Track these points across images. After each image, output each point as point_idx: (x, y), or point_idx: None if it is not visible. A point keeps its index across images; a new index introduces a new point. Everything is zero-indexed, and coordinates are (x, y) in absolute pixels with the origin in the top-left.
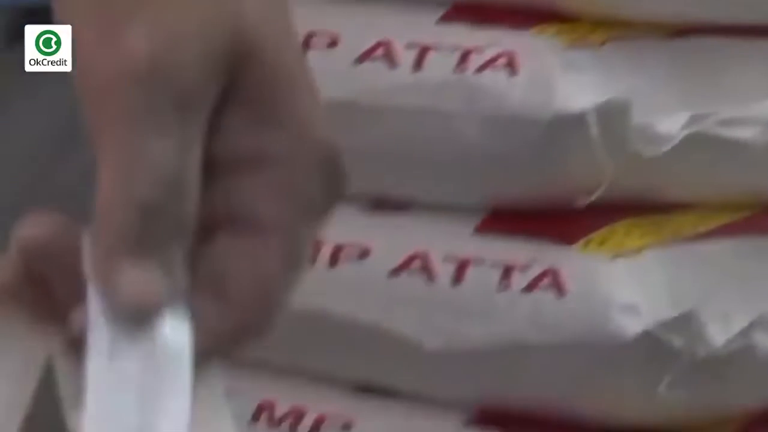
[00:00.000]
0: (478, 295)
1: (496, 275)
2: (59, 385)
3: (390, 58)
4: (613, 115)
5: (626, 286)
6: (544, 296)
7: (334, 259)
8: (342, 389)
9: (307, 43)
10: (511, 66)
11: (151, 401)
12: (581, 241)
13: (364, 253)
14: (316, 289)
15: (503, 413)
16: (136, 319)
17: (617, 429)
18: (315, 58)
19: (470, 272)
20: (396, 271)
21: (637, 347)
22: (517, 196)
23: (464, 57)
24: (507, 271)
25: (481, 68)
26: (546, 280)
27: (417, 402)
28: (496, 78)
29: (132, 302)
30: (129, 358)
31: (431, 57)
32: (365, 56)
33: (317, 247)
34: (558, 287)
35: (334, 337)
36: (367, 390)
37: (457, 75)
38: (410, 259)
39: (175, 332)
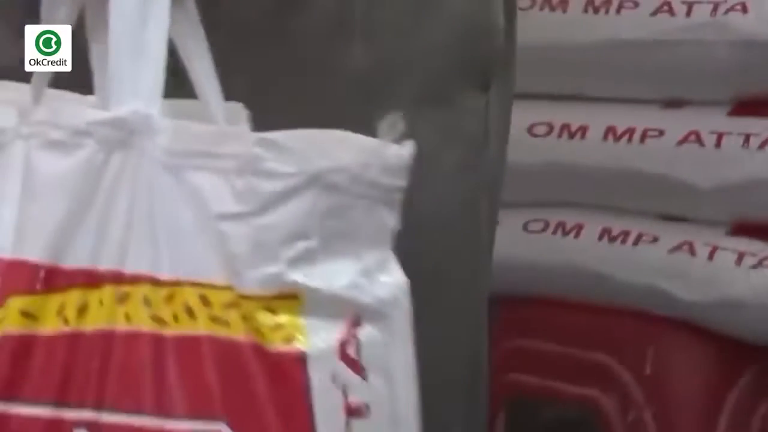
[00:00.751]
0: (731, 153)
1: (740, 140)
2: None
3: (671, 11)
4: None
5: None
6: None
7: (642, 138)
8: (646, 217)
9: (620, 5)
10: (744, 9)
11: (144, 15)
12: None
13: (661, 133)
14: (631, 156)
15: (751, 226)
16: None
17: None
18: (626, 14)
19: (725, 139)
20: (680, 143)
21: None
22: (753, 91)
23: (715, 6)
24: (747, 138)
25: (727, 11)
26: None
27: (695, 223)
28: (735, 17)
29: None
30: None
31: (695, 7)
32: (656, 11)
33: (631, 131)
34: None
35: (642, 185)
36: (666, 218)
37: (712, 17)
38: (688, 135)
39: None
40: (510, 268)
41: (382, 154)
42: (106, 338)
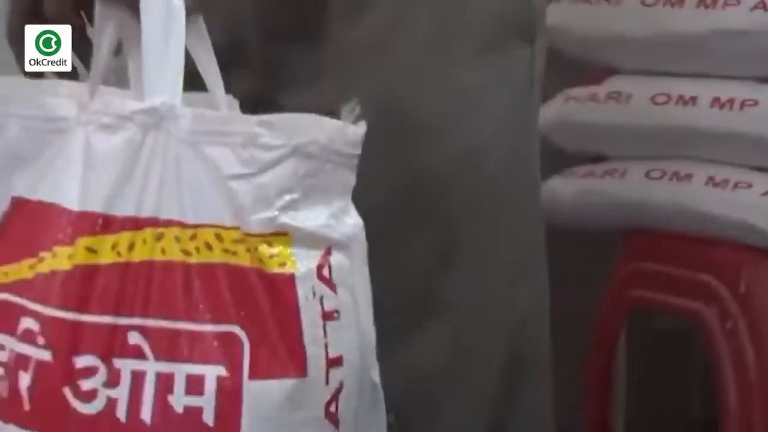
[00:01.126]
0: None
1: None
2: (125, 43)
3: (765, 7)
4: None
5: None
6: None
7: (741, 106)
8: (743, 168)
9: (726, 2)
10: None
11: (166, 34)
12: None
13: (756, 102)
14: (732, 121)
15: None
16: None
17: None
18: (730, 9)
19: None
20: None
21: None
22: None
23: None
24: None
25: None
26: None
27: None
28: None
29: None
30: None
31: None
32: (754, 7)
33: (732, 101)
34: None
35: (740, 143)
36: (759, 169)
37: None
38: None
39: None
40: (633, 206)
41: (343, 131)
42: (149, 266)
